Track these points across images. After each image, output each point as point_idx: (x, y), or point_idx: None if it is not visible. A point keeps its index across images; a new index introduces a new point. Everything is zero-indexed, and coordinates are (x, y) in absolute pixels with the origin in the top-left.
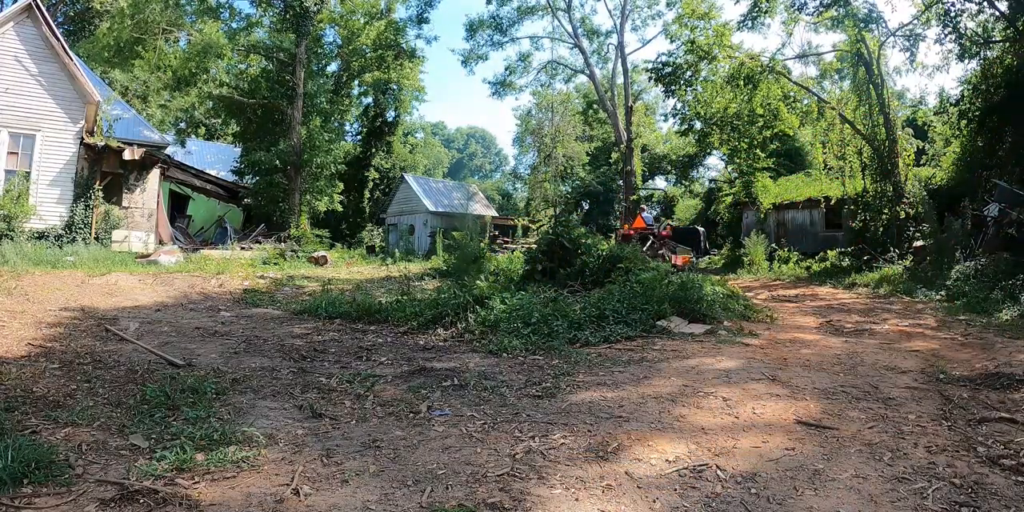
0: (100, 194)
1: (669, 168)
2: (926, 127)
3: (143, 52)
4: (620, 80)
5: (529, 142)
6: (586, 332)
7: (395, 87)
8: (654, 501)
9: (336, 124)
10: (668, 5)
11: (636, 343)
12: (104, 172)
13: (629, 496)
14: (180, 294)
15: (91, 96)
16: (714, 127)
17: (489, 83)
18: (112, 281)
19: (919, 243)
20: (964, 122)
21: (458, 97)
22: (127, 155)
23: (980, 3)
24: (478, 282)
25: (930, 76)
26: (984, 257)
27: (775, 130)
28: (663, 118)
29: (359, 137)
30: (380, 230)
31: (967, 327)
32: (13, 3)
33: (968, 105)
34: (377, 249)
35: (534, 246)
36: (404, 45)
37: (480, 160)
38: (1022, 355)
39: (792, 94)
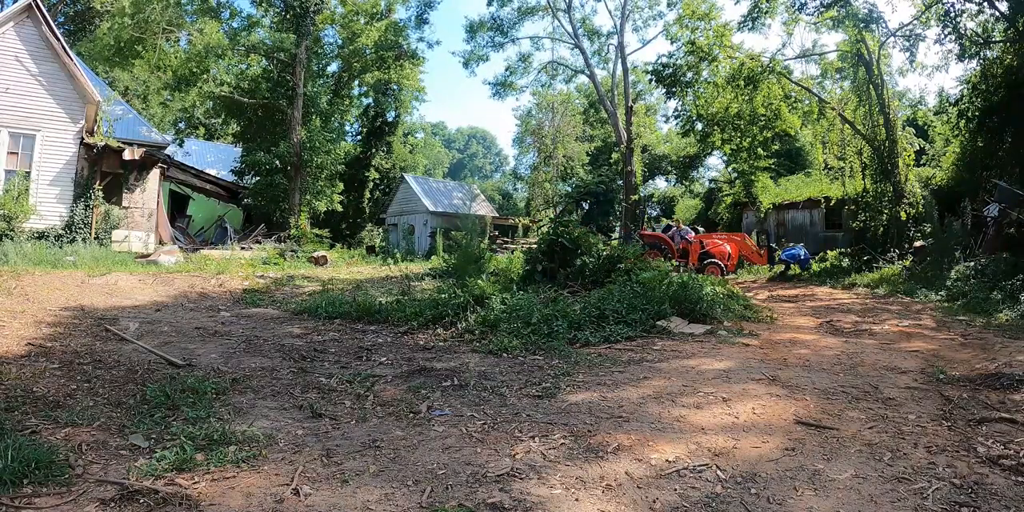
0: (100, 194)
1: (669, 168)
2: (926, 127)
3: (143, 52)
4: (621, 80)
5: (529, 142)
6: (586, 332)
7: (395, 87)
8: (654, 501)
9: (336, 124)
10: (669, 6)
11: (636, 343)
12: (104, 172)
13: (629, 496)
14: (180, 294)
15: (91, 96)
16: (715, 127)
17: (490, 84)
18: (112, 281)
19: (919, 243)
20: (964, 122)
21: (459, 98)
22: (127, 155)
23: (980, 3)
24: (478, 282)
25: (930, 76)
26: (984, 257)
27: (776, 130)
28: (664, 119)
29: (359, 137)
30: (380, 230)
31: (967, 327)
32: (13, 3)
33: (968, 105)
34: (377, 249)
35: (534, 246)
36: (405, 46)
37: (480, 160)
38: (1022, 355)
39: (793, 94)
